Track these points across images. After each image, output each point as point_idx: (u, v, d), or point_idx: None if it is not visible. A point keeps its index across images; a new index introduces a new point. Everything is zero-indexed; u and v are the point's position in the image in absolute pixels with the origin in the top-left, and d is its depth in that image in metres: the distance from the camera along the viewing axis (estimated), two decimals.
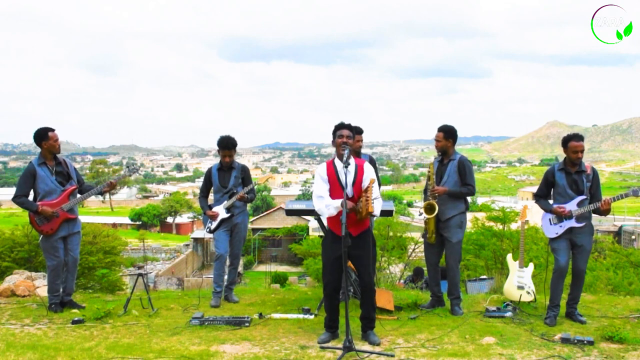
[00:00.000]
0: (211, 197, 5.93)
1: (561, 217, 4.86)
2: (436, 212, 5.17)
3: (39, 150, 5.22)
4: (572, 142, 4.78)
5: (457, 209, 5.20)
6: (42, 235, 5.19)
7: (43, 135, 5.12)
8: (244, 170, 5.76)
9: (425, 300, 5.55)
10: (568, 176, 4.88)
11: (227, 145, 5.60)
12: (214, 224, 5.67)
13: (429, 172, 5.37)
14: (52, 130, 5.16)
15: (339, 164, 4.19)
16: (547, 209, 4.98)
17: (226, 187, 5.65)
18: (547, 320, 4.84)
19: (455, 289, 5.23)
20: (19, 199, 5.10)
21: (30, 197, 5.21)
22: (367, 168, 4.28)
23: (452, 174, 5.18)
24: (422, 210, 5.26)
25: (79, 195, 5.34)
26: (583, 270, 4.91)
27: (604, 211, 4.73)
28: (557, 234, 4.91)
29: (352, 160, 4.19)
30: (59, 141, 5.23)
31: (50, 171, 5.17)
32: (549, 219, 4.98)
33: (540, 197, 5.09)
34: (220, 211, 5.65)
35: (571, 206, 4.83)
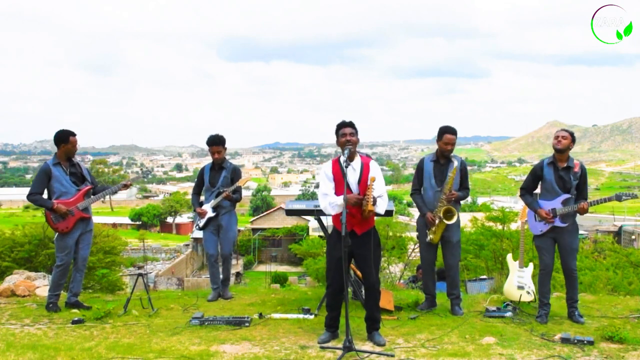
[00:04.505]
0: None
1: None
2: (456, 217, 5.10)
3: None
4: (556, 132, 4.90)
5: (456, 209, 5.20)
6: (57, 234, 5.26)
7: (64, 138, 5.21)
8: (235, 171, 5.85)
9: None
10: (556, 172, 4.84)
11: (214, 141, 5.72)
12: (202, 222, 5.82)
13: (449, 176, 5.08)
14: (74, 135, 5.27)
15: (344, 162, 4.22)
16: (533, 208, 4.95)
17: (214, 186, 5.76)
18: (538, 318, 4.85)
19: (456, 289, 5.23)
20: (33, 197, 5.17)
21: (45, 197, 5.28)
22: (373, 166, 4.30)
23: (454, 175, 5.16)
24: (440, 216, 5.03)
25: (93, 196, 5.41)
26: (574, 269, 4.89)
27: (583, 212, 4.74)
28: (541, 231, 4.92)
29: (357, 159, 4.26)
30: (77, 146, 5.34)
31: (65, 171, 5.24)
32: (534, 215, 4.98)
33: (526, 190, 5.05)
34: (208, 210, 5.77)
35: (556, 204, 4.80)
